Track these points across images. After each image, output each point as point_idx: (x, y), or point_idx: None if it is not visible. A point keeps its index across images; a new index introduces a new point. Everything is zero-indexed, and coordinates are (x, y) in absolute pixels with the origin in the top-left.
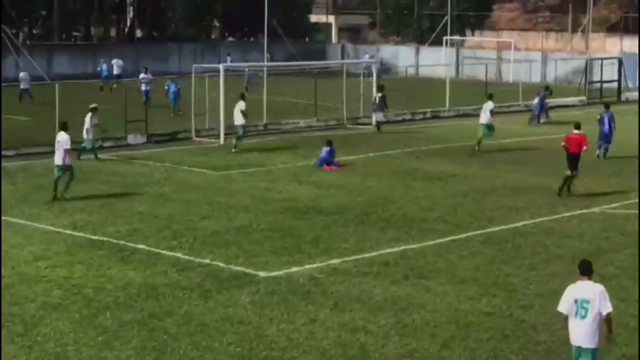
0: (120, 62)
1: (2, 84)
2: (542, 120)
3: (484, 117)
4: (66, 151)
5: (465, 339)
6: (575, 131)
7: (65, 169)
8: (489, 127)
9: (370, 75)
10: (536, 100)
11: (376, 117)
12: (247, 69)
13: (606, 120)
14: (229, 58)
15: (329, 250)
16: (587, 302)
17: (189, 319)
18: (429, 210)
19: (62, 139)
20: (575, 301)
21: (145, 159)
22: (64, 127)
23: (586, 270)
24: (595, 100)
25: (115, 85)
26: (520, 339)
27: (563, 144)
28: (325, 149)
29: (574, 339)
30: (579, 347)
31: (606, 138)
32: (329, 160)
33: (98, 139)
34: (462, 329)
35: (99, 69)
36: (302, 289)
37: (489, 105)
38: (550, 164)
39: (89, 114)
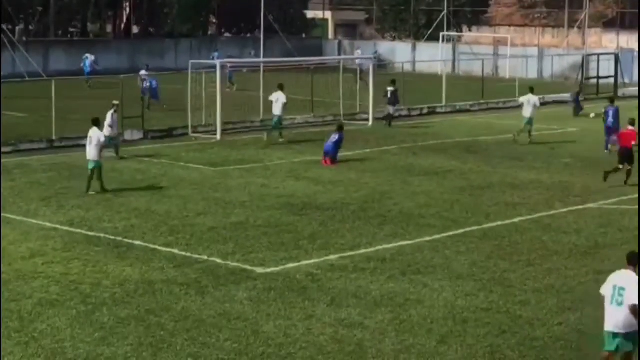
0: (92, 57)
1: None
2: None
3: (530, 111)
4: (99, 146)
5: (462, 335)
6: (630, 127)
7: (98, 164)
8: (531, 121)
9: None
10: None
11: (387, 110)
12: (229, 66)
13: (611, 114)
14: (216, 54)
15: (326, 246)
16: (623, 289)
17: (186, 315)
18: (426, 206)
19: (95, 134)
20: (614, 287)
21: (142, 155)
22: (96, 122)
23: (630, 260)
24: (592, 96)
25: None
26: (517, 335)
27: (614, 138)
28: (334, 136)
29: (609, 324)
30: (614, 333)
31: (612, 132)
32: (333, 151)
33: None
34: (459, 325)
35: (82, 64)
36: (299, 285)
37: (533, 98)
38: (546, 160)
39: (112, 110)
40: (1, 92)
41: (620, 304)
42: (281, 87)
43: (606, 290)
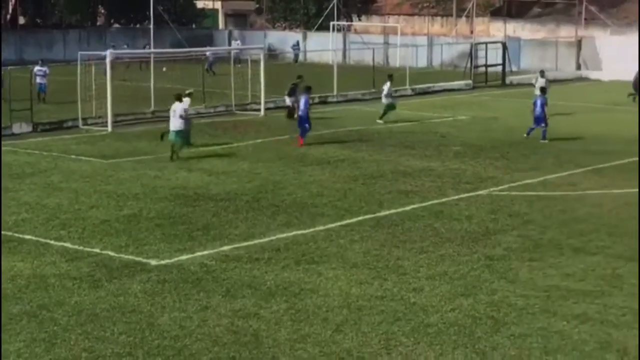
0: None
1: None
2: None
3: None
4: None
5: (357, 323)
6: None
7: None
8: None
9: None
10: None
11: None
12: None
13: (539, 104)
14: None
15: (219, 237)
16: None
17: (80, 309)
18: (319, 195)
19: (178, 108)
20: None
21: (32, 149)
22: (179, 98)
23: None
24: (481, 84)
25: None
26: (412, 322)
27: None
28: (302, 98)
29: None
30: None
31: (538, 121)
32: (306, 112)
33: None
34: (354, 313)
35: None
36: (194, 276)
37: None
38: (437, 148)
39: (187, 99)
40: None
41: None
42: (390, 77)
43: None
